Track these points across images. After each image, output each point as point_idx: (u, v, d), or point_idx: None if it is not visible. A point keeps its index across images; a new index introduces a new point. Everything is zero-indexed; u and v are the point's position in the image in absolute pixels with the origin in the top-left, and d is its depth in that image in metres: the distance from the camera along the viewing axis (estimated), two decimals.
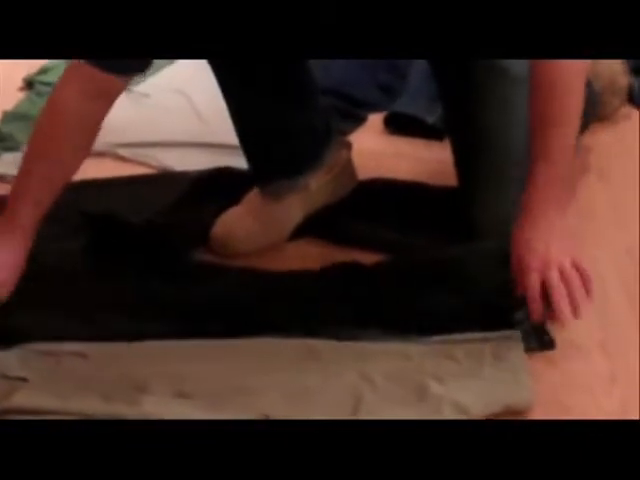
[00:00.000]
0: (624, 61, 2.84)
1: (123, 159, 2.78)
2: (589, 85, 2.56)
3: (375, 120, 2.90)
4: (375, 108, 2.93)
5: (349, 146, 2.60)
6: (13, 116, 2.95)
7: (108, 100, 2.26)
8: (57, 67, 3.10)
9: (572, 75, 2.17)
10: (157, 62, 3.11)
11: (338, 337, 2.16)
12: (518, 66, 2.29)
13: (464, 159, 2.49)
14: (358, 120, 2.89)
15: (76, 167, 2.30)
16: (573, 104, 2.18)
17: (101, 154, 2.75)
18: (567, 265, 2.09)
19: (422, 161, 2.74)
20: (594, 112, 2.69)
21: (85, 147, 2.29)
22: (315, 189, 2.51)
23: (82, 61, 2.20)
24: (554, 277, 2.08)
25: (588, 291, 2.09)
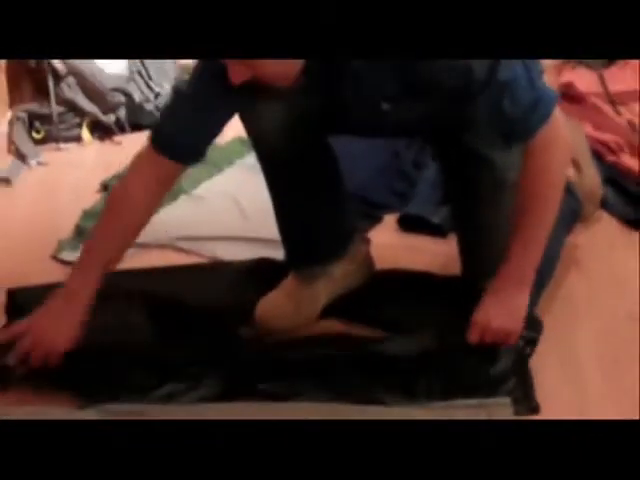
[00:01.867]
0: (599, 174, 2.88)
1: (182, 250, 2.80)
2: (574, 195, 2.68)
3: (390, 220, 2.92)
4: (390, 210, 2.94)
5: (368, 241, 2.63)
6: (91, 214, 2.94)
7: (166, 185, 2.31)
8: None
9: (553, 187, 2.25)
10: (210, 169, 3.21)
11: (362, 401, 2.24)
12: (513, 176, 2.29)
13: (468, 252, 2.54)
14: (376, 220, 2.91)
15: (127, 247, 2.37)
16: (550, 209, 2.25)
17: (163, 246, 2.83)
18: (500, 337, 2.28)
19: (429, 254, 2.75)
20: (578, 216, 2.74)
21: (139, 229, 2.32)
22: (339, 276, 2.53)
23: (148, 149, 2.25)
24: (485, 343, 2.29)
25: None
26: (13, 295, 2.60)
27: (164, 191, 2.32)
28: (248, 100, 2.26)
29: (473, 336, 2.27)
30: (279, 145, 2.37)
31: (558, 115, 2.21)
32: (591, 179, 2.83)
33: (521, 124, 2.17)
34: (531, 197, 2.24)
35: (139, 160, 2.29)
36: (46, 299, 2.42)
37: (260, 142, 2.41)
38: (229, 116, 2.30)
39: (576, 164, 2.78)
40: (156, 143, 2.24)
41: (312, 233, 2.53)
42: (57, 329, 2.25)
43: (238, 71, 2.04)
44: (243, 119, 2.36)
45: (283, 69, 2.06)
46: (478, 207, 2.48)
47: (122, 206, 2.30)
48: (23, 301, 2.58)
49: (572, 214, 2.65)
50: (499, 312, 2.27)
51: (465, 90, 2.11)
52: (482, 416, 2.19)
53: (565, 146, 2.27)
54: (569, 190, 2.64)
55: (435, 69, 2.09)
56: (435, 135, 2.56)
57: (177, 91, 2.28)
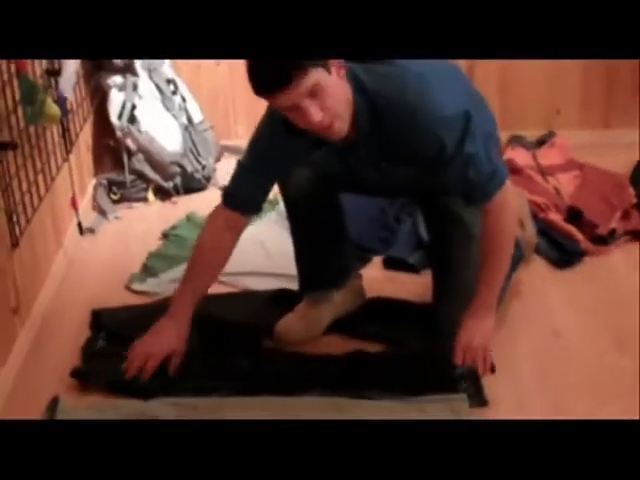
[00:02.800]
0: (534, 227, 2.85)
1: (223, 282, 2.74)
2: (519, 245, 2.60)
3: (377, 260, 2.92)
4: (377, 253, 2.94)
5: (361, 276, 2.66)
6: (154, 255, 2.98)
7: (236, 233, 2.35)
8: (182, 225, 3.12)
9: (506, 240, 2.26)
10: None
11: (354, 396, 2.25)
12: (478, 231, 2.30)
13: (439, 285, 2.52)
14: (367, 260, 2.90)
15: (213, 279, 2.42)
16: (505, 257, 2.28)
17: None
18: (479, 351, 2.28)
19: (407, 287, 2.76)
20: (521, 261, 2.69)
21: (219, 266, 2.39)
22: (339, 302, 2.56)
23: (221, 207, 2.32)
24: (469, 358, 2.28)
25: (489, 364, 2.30)
26: (96, 314, 2.65)
27: (235, 238, 2.37)
28: (286, 170, 2.33)
29: (458, 355, 2.30)
30: (303, 200, 2.44)
31: (509, 184, 2.24)
32: (530, 232, 2.79)
33: (481, 189, 2.19)
34: (490, 248, 2.26)
35: (214, 215, 2.37)
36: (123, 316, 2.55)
37: (289, 197, 2.48)
38: (273, 183, 2.35)
39: (520, 222, 2.72)
40: (226, 202, 2.32)
41: (321, 266, 2.55)
42: (165, 340, 2.33)
43: (313, 113, 1.99)
44: (279, 182, 2.42)
45: (340, 118, 2.05)
46: (449, 253, 2.48)
47: (204, 249, 2.37)
48: (103, 319, 2.62)
49: (517, 260, 2.65)
50: (476, 333, 2.30)
51: (438, 158, 2.12)
52: (445, 409, 2.20)
53: (514, 208, 2.30)
54: (516, 242, 2.62)
55: (417, 141, 2.10)
56: (420, 196, 2.55)
57: (240, 164, 2.33)
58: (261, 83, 1.97)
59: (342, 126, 2.06)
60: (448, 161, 2.14)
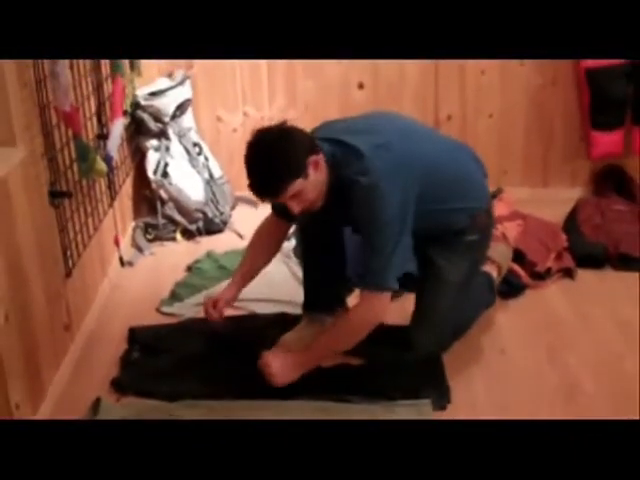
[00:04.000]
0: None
1: (232, 306, 2.64)
2: (494, 291, 2.68)
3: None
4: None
5: (348, 307, 2.58)
6: (180, 284, 2.95)
7: (280, 230, 2.46)
8: (204, 260, 3.09)
9: (347, 336, 2.26)
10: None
11: (338, 400, 2.25)
12: (453, 278, 2.33)
13: (415, 314, 2.46)
14: (351, 290, 2.69)
15: (261, 263, 2.49)
16: (335, 346, 2.30)
17: None
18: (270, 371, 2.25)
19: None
20: (490, 305, 2.67)
21: (268, 252, 2.49)
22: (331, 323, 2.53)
23: (271, 215, 2.43)
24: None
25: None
26: (133, 331, 2.65)
27: (280, 234, 2.48)
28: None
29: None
30: (309, 232, 2.47)
31: (385, 298, 2.21)
32: (508, 258, 2.81)
33: (367, 275, 2.20)
34: (335, 331, 2.29)
35: (265, 221, 2.49)
36: (154, 333, 2.56)
37: (302, 231, 2.53)
38: None
39: (500, 268, 2.76)
40: (274, 210, 2.43)
41: (322, 291, 2.53)
42: (220, 295, 2.48)
43: (293, 207, 2.15)
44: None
45: (316, 202, 2.18)
46: (424, 291, 2.45)
47: (255, 245, 2.48)
48: (138, 335, 2.62)
49: (487, 304, 2.67)
50: (278, 363, 2.27)
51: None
52: (413, 411, 2.20)
53: (369, 323, 2.24)
54: (491, 287, 2.68)
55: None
56: None
57: None
58: (258, 196, 2.18)
59: (318, 204, 2.19)
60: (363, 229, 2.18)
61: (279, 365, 2.27)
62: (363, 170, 2.14)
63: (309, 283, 2.57)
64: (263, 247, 2.50)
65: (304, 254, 2.54)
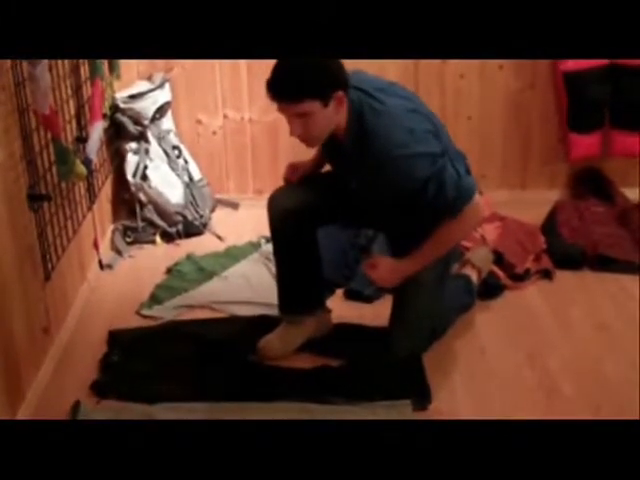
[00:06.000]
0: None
1: (214, 309, 2.78)
2: (474, 294, 2.71)
3: (339, 292, 2.88)
4: (339, 286, 2.90)
5: (330, 311, 2.62)
6: (160, 286, 2.94)
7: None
8: (183, 263, 3.07)
9: (445, 246, 2.26)
10: (232, 261, 3.10)
11: (320, 402, 2.26)
12: (426, 278, 2.33)
13: (393, 316, 2.48)
14: (332, 292, 2.85)
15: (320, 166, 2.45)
16: (435, 254, 2.26)
17: (204, 307, 2.81)
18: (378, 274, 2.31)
19: (362, 313, 2.73)
20: (471, 306, 2.70)
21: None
22: (311, 327, 2.54)
23: None
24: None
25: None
26: (112, 334, 2.65)
27: None
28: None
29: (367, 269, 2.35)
30: (286, 230, 2.42)
31: (476, 199, 2.20)
32: (489, 261, 2.84)
33: (449, 210, 2.17)
34: (431, 242, 2.24)
35: None
36: (134, 335, 2.54)
37: (275, 228, 2.45)
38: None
39: (480, 272, 2.79)
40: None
41: (298, 292, 2.53)
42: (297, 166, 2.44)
43: (294, 127, 2.09)
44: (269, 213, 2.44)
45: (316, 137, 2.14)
46: (403, 292, 2.43)
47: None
48: (118, 338, 2.62)
49: (467, 306, 2.70)
50: (385, 267, 2.31)
51: (407, 193, 2.13)
52: (393, 412, 2.20)
53: (470, 225, 2.25)
54: (471, 290, 2.71)
55: (388, 176, 2.12)
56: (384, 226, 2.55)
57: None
58: (269, 92, 2.04)
59: (316, 143, 2.17)
60: (415, 195, 2.13)
61: (385, 269, 2.29)
62: (392, 133, 2.10)
63: (284, 284, 2.54)
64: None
65: (277, 254, 2.51)
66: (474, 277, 2.76)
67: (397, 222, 2.37)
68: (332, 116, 2.09)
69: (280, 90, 2.03)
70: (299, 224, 2.40)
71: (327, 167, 2.50)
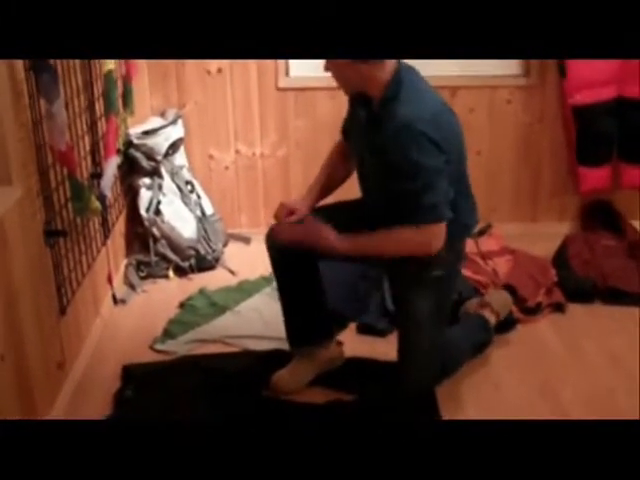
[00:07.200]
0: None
1: (227, 344, 2.80)
2: (490, 330, 2.69)
3: (352, 326, 2.90)
4: (352, 320, 2.92)
5: (341, 344, 2.65)
6: (173, 321, 2.95)
7: (347, 153, 2.45)
8: (196, 297, 3.09)
9: (393, 248, 2.23)
10: (244, 295, 3.11)
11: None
12: (421, 315, 2.32)
13: (399, 352, 2.45)
14: (344, 326, 2.88)
15: (338, 183, 2.49)
16: (380, 250, 2.26)
17: (217, 341, 2.82)
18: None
19: (375, 348, 2.73)
20: (489, 344, 2.70)
21: (344, 175, 2.48)
22: (323, 361, 2.55)
23: (340, 141, 2.48)
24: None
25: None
26: (127, 368, 2.66)
27: (347, 159, 2.45)
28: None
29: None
30: (286, 264, 2.43)
31: (439, 233, 2.19)
32: (508, 305, 2.82)
33: (420, 212, 2.16)
34: (382, 236, 2.23)
35: (336, 144, 2.51)
36: (148, 370, 2.54)
37: (275, 261, 2.46)
38: None
39: (498, 316, 2.77)
40: (342, 135, 2.46)
41: (303, 324, 2.53)
42: (295, 204, 2.44)
43: (325, 65, 2.19)
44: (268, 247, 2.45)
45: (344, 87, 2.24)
46: (404, 327, 2.44)
47: (330, 160, 2.49)
48: (132, 372, 2.63)
49: (486, 343, 2.69)
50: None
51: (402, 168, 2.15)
52: None
53: (422, 247, 2.21)
54: (487, 328, 2.70)
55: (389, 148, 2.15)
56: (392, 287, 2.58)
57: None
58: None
59: (345, 87, 2.24)
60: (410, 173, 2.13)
61: (321, 224, 2.29)
62: (419, 112, 2.13)
63: (289, 317, 2.55)
64: (338, 162, 2.50)
65: (279, 288, 2.52)
66: (492, 320, 2.75)
67: (386, 210, 2.32)
68: (358, 67, 2.14)
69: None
70: (298, 256, 2.40)
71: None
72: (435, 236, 2.20)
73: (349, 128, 2.45)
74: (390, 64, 2.18)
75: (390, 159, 2.17)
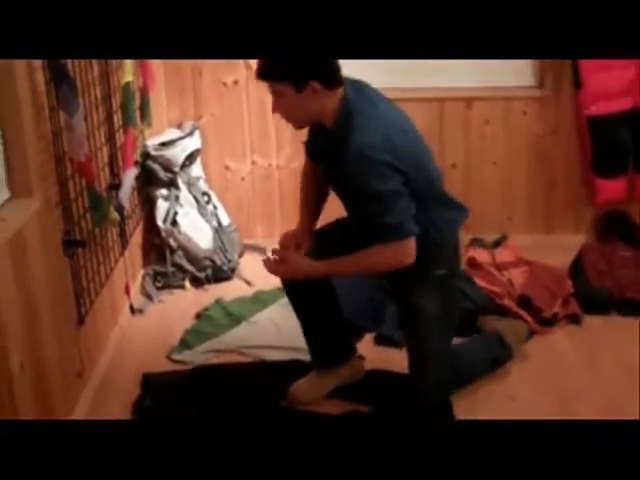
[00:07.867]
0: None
1: (243, 354, 2.81)
2: (511, 348, 2.66)
3: (369, 337, 2.91)
4: (369, 331, 2.93)
5: (363, 357, 2.65)
6: (190, 331, 2.96)
7: (316, 172, 2.43)
8: (212, 308, 3.10)
9: (363, 266, 2.26)
10: (260, 306, 3.12)
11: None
12: (430, 312, 2.31)
13: (409, 361, 2.45)
14: (361, 337, 2.87)
15: (321, 202, 2.49)
16: (353, 270, 2.31)
17: (233, 351, 2.83)
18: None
19: (394, 358, 2.71)
20: (507, 361, 2.67)
21: (322, 193, 2.47)
22: (343, 375, 2.56)
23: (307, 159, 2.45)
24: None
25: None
26: (146, 377, 2.68)
27: (319, 177, 2.43)
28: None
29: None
30: (295, 290, 2.46)
31: (408, 247, 2.19)
32: (519, 338, 2.76)
33: (385, 232, 2.17)
34: (355, 257, 2.23)
35: (304, 166, 2.52)
36: (166, 380, 2.56)
37: (289, 291, 2.50)
38: None
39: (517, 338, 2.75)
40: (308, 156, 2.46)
41: (325, 347, 2.56)
42: (293, 233, 2.47)
43: (273, 104, 2.20)
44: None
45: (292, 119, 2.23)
46: (413, 334, 2.44)
47: (304, 184, 2.49)
48: (151, 380, 2.64)
49: (503, 360, 2.65)
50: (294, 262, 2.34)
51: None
52: None
53: (394, 263, 2.21)
54: (504, 344, 2.66)
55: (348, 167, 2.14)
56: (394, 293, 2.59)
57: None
58: (257, 70, 2.17)
59: (295, 124, 2.25)
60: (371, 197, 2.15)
61: (298, 259, 2.32)
62: (368, 136, 2.13)
63: (312, 342, 2.56)
64: (311, 183, 2.49)
65: (297, 313, 2.52)
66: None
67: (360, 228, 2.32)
68: (306, 103, 2.16)
69: (260, 68, 2.17)
70: (306, 283, 2.38)
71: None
72: (404, 251, 2.21)
73: (313, 149, 2.44)
74: (337, 91, 2.18)
75: (349, 185, 2.20)
